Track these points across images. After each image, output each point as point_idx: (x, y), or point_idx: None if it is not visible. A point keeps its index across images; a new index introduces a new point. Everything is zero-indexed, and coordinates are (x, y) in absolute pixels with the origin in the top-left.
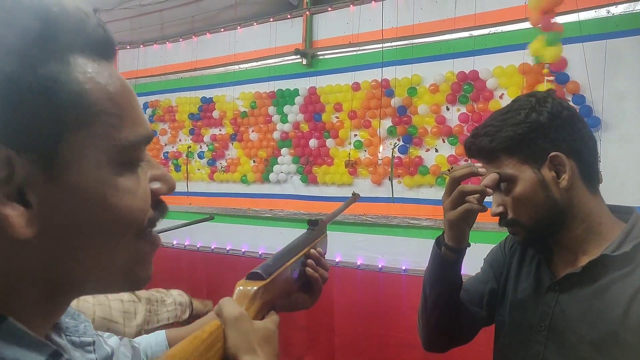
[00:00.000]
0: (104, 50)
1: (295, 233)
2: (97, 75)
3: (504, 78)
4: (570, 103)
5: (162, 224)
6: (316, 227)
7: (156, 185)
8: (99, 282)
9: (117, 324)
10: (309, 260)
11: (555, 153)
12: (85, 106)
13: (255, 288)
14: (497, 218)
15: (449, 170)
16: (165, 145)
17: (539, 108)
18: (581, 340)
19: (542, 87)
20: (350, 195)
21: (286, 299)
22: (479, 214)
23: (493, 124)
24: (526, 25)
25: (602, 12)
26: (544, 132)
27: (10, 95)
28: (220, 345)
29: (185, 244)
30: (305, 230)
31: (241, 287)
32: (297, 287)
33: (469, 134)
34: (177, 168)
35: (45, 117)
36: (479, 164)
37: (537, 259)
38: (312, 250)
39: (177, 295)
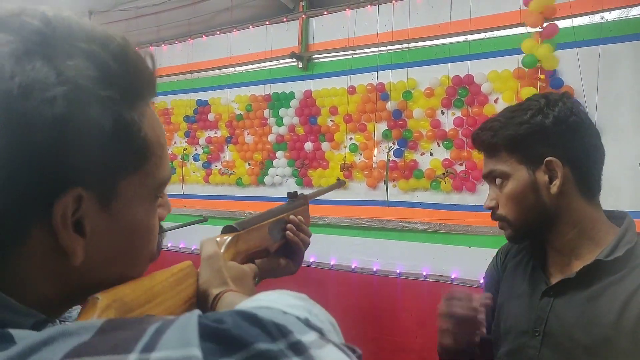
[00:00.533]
0: (154, 94)
1: None
2: (153, 121)
3: (499, 82)
4: None
5: None
6: (296, 199)
7: (160, 210)
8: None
9: None
10: (289, 225)
11: (551, 158)
12: (146, 150)
13: (229, 237)
14: (496, 220)
15: (443, 174)
16: None
17: (546, 111)
18: (575, 345)
19: (535, 91)
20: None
21: (265, 258)
22: (473, 216)
23: (499, 120)
24: (521, 30)
25: (596, 18)
26: (546, 135)
27: (91, 138)
28: (192, 281)
29: (180, 246)
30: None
31: (217, 238)
32: (277, 247)
33: (463, 137)
34: (173, 170)
35: (117, 159)
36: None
37: (531, 265)
38: (292, 216)
39: None
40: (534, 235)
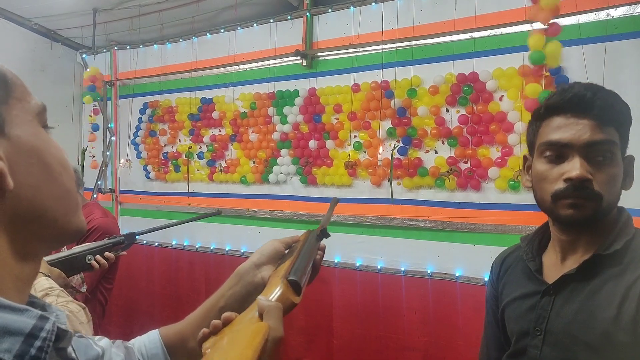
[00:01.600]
0: None
1: (294, 234)
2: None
3: (504, 80)
4: None
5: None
6: (321, 234)
7: None
8: (58, 227)
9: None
10: (320, 252)
11: (632, 155)
12: (6, 83)
13: (295, 303)
14: (583, 197)
15: (448, 171)
16: (165, 145)
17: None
18: (576, 341)
19: (540, 88)
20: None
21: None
22: (477, 214)
23: (609, 91)
24: (526, 27)
25: (601, 15)
26: (628, 126)
27: None
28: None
29: (184, 244)
30: (315, 235)
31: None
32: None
33: (468, 135)
34: (177, 168)
35: None
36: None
37: (527, 271)
38: (322, 244)
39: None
40: (595, 222)
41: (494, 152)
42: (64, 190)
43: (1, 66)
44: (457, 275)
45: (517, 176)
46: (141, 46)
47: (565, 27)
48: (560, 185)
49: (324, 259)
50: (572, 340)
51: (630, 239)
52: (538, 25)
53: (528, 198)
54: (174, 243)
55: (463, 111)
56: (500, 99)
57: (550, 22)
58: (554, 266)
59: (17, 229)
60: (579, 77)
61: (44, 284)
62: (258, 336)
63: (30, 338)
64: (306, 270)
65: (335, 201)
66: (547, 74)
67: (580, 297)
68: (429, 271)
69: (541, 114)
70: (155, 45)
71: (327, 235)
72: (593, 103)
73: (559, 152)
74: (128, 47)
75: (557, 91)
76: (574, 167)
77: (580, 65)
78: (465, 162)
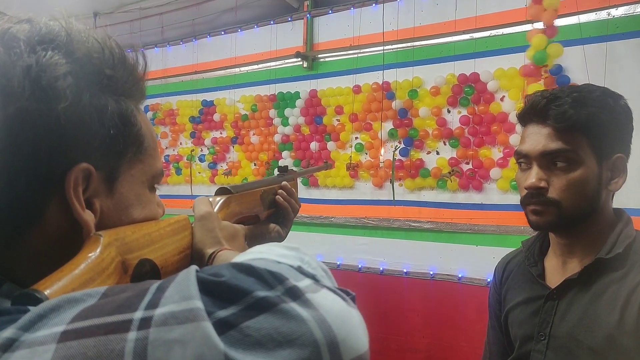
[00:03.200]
0: (144, 96)
1: (296, 235)
2: (145, 118)
3: (505, 80)
4: None
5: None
6: (286, 173)
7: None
8: None
9: None
10: (280, 191)
11: (621, 155)
12: (142, 141)
13: (224, 198)
14: (540, 204)
15: (450, 172)
16: (166, 148)
17: (620, 102)
18: (580, 346)
19: (540, 87)
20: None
21: (256, 223)
22: (480, 215)
23: (580, 93)
24: (527, 27)
25: (602, 15)
26: (619, 128)
27: (98, 115)
28: (187, 233)
29: None
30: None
31: (210, 198)
32: (267, 215)
33: (469, 136)
34: (178, 171)
35: (120, 143)
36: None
37: (529, 275)
38: (284, 183)
39: None
40: (570, 226)
41: (496, 153)
42: None
43: (149, 127)
44: (459, 276)
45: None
46: (142, 49)
47: (565, 26)
48: (524, 192)
49: (326, 261)
50: (576, 345)
51: (631, 242)
52: (538, 25)
53: None
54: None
55: (464, 112)
56: (502, 99)
57: (550, 23)
58: (555, 270)
59: None
60: (580, 77)
61: None
62: (173, 219)
63: None
64: (246, 188)
65: (327, 165)
66: (547, 75)
67: (583, 302)
68: (431, 272)
69: (520, 124)
70: (156, 48)
71: (285, 170)
72: (547, 112)
73: (525, 161)
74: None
75: (525, 101)
76: (529, 176)
77: (581, 65)
78: (467, 163)
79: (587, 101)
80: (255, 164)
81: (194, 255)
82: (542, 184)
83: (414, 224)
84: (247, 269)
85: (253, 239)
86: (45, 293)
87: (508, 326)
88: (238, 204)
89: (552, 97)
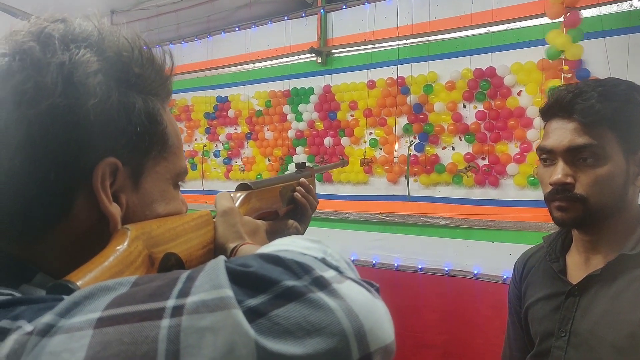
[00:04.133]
0: (170, 96)
1: (310, 231)
2: (171, 118)
3: (522, 74)
4: None
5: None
6: (304, 169)
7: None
8: None
9: None
10: (298, 187)
11: None
12: (167, 138)
13: (244, 193)
14: (565, 200)
15: (466, 168)
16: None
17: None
18: (602, 343)
19: (560, 83)
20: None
21: (275, 219)
22: (496, 210)
23: (606, 87)
24: (545, 20)
25: (624, 6)
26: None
27: (126, 111)
28: (209, 228)
29: None
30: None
31: (232, 193)
32: (285, 211)
33: (486, 131)
34: (193, 167)
35: (146, 140)
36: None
37: (550, 271)
38: (302, 179)
39: None
40: (595, 222)
41: (513, 148)
42: None
43: (174, 127)
44: (475, 272)
45: (537, 172)
46: (157, 46)
47: (586, 19)
48: (549, 188)
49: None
50: (598, 342)
51: None
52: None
53: None
54: None
55: (480, 107)
56: (519, 93)
57: (567, 14)
58: (577, 266)
59: None
60: (601, 71)
61: None
62: (196, 214)
63: None
64: (265, 184)
65: (343, 162)
66: (567, 67)
67: (606, 298)
68: (446, 269)
69: (542, 119)
70: (171, 44)
71: (303, 167)
72: (573, 106)
73: (549, 157)
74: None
75: (547, 96)
76: (555, 172)
77: (603, 59)
78: (483, 159)
79: (613, 95)
80: (269, 160)
81: (217, 250)
82: (569, 179)
83: (429, 220)
84: (274, 259)
85: (272, 235)
86: (78, 284)
87: (528, 322)
88: (258, 200)
89: (578, 92)
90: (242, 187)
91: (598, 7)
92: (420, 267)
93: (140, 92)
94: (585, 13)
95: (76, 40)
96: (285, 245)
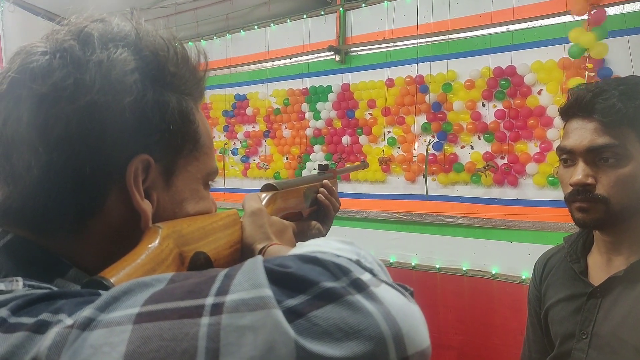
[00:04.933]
0: (203, 97)
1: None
2: (203, 119)
3: (543, 73)
4: None
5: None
6: (326, 171)
7: None
8: None
9: None
10: (321, 189)
11: None
12: (199, 137)
13: (270, 194)
14: (586, 201)
15: (484, 167)
16: None
17: None
18: (624, 345)
19: (583, 81)
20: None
21: (299, 220)
22: (515, 210)
23: (627, 86)
24: (566, 18)
25: None
26: None
27: (161, 116)
28: (237, 228)
29: None
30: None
31: (258, 193)
32: (309, 212)
33: (505, 130)
34: None
35: (179, 139)
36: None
37: (571, 272)
38: (325, 181)
39: None
40: (617, 223)
41: (532, 148)
42: None
43: (206, 127)
44: (493, 272)
45: (556, 172)
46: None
47: (609, 17)
48: (569, 189)
49: None
50: (621, 344)
51: None
52: (579, 17)
53: None
54: None
55: (500, 106)
56: (539, 92)
57: (591, 12)
58: (599, 268)
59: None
60: (624, 70)
61: None
62: (224, 213)
63: None
64: (290, 185)
65: (364, 165)
66: (591, 65)
67: (629, 300)
68: (464, 268)
69: (562, 119)
70: (190, 42)
71: (326, 168)
72: (593, 106)
73: (569, 157)
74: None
75: (567, 95)
76: (575, 173)
77: (626, 57)
78: (502, 158)
79: (634, 94)
80: (287, 158)
81: (244, 250)
82: (590, 180)
83: (447, 219)
84: (312, 260)
85: (296, 236)
86: (112, 280)
87: (548, 323)
88: (283, 201)
89: (598, 91)
90: (267, 188)
91: (622, 5)
92: (438, 266)
93: (174, 91)
94: (609, 11)
95: (114, 39)
96: (319, 247)
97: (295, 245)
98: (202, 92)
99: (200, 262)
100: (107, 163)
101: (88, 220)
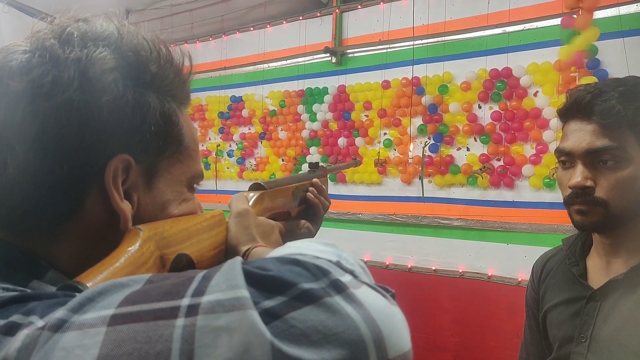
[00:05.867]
0: (188, 101)
1: (323, 232)
2: (188, 121)
3: (539, 75)
4: None
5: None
6: (317, 169)
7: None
8: None
9: None
10: (311, 188)
11: None
12: (182, 139)
13: (257, 193)
14: (585, 204)
15: (481, 169)
16: None
17: None
18: (624, 350)
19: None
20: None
21: (287, 220)
22: (511, 212)
23: (627, 87)
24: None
25: None
26: None
27: (142, 116)
28: (222, 229)
29: None
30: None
31: (245, 194)
32: (297, 212)
33: (501, 132)
34: (207, 166)
35: (161, 140)
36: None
37: (570, 275)
38: (315, 180)
39: None
40: (616, 226)
41: (529, 149)
42: None
43: (190, 130)
44: (489, 274)
45: (553, 174)
46: (172, 45)
47: (605, 19)
48: (568, 191)
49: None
50: (619, 348)
51: None
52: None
53: None
54: None
55: (496, 107)
56: (535, 94)
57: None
58: (598, 270)
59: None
60: (620, 71)
61: None
62: (209, 214)
63: None
64: (278, 184)
65: (356, 162)
66: (576, 73)
67: (628, 304)
68: (460, 270)
69: (560, 120)
70: (185, 44)
71: (316, 166)
72: (592, 107)
73: (568, 159)
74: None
75: (567, 96)
76: (574, 175)
77: (621, 59)
78: (499, 160)
79: (634, 95)
80: (283, 160)
81: (229, 251)
82: (589, 182)
83: (443, 221)
84: (292, 262)
85: (284, 236)
86: (88, 285)
87: (546, 326)
88: (271, 200)
89: (597, 92)
90: (255, 187)
91: (617, 7)
92: (434, 268)
93: (156, 91)
94: (604, 13)
95: (96, 38)
96: (299, 249)
97: (280, 244)
98: (187, 94)
99: (182, 265)
100: (85, 162)
101: (66, 221)
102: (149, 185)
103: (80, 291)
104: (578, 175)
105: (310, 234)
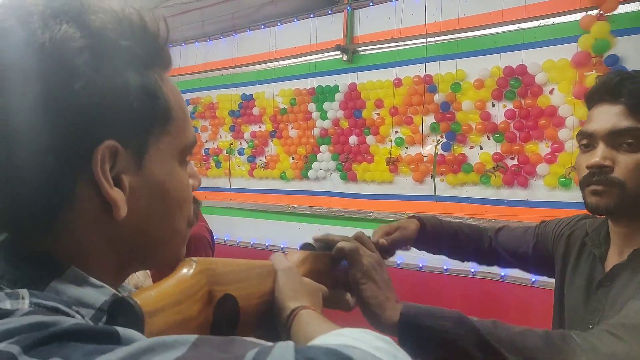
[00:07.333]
0: (170, 64)
1: (333, 230)
2: (173, 88)
3: (555, 72)
4: None
5: None
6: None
7: (191, 181)
8: (159, 258)
9: None
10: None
11: None
12: (168, 111)
13: (305, 253)
14: (601, 184)
15: (494, 168)
16: (206, 141)
17: None
18: None
19: (593, 76)
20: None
21: (329, 286)
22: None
23: None
24: (579, 16)
25: None
26: None
27: (120, 90)
28: (269, 280)
29: (225, 239)
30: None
31: (293, 250)
32: (340, 282)
33: (515, 130)
34: (218, 164)
35: (145, 117)
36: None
37: (592, 257)
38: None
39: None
40: (629, 211)
41: (543, 148)
42: (171, 231)
43: (176, 97)
44: (502, 274)
45: (569, 173)
46: (183, 43)
47: (624, 14)
48: (585, 172)
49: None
50: None
51: None
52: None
53: (580, 196)
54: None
55: (510, 105)
56: (551, 92)
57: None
58: (613, 259)
59: (119, 247)
60: (638, 68)
61: None
62: (262, 262)
63: (100, 312)
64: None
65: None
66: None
67: (631, 287)
68: (472, 270)
69: (587, 106)
70: (196, 42)
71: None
72: (621, 89)
73: (589, 142)
74: (170, 45)
75: (595, 81)
76: (594, 155)
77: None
78: (512, 159)
79: None
80: (293, 158)
81: (275, 305)
82: (607, 162)
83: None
84: (344, 359)
85: (324, 300)
86: (138, 302)
87: (560, 304)
88: (316, 263)
89: (627, 75)
90: (305, 247)
91: (637, 3)
92: (445, 268)
93: (133, 66)
94: (625, 8)
95: (57, 14)
96: (355, 340)
97: (321, 309)
98: (168, 60)
99: (228, 305)
100: (70, 152)
101: (59, 214)
102: (139, 167)
103: (133, 308)
104: (598, 154)
105: (347, 309)
